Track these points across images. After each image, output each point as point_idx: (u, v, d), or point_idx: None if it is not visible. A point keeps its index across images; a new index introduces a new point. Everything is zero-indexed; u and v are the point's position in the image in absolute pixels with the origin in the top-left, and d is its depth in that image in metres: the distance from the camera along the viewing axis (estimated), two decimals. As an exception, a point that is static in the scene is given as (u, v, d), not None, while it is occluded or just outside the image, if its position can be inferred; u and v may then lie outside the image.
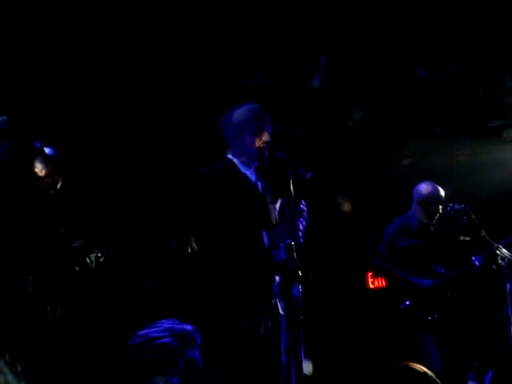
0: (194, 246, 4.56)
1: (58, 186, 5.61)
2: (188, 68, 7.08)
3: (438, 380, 2.83)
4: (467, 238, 6.45)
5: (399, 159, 8.17)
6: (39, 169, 5.50)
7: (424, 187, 6.42)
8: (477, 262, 6.09)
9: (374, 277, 7.80)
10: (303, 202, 4.33)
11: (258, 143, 4.43)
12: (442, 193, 6.36)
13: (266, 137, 4.47)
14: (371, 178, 8.02)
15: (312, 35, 7.06)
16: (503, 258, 5.71)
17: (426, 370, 2.88)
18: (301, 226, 4.28)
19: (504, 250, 5.76)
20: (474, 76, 7.51)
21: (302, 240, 4.29)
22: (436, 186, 6.40)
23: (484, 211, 6.52)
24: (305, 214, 4.31)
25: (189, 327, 3.43)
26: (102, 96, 6.94)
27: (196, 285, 4.47)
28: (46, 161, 5.50)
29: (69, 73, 6.68)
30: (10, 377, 1.35)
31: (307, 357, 4.27)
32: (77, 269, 5.55)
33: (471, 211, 6.02)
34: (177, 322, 3.33)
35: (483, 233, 5.94)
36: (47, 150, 5.50)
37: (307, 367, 4.97)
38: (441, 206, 6.30)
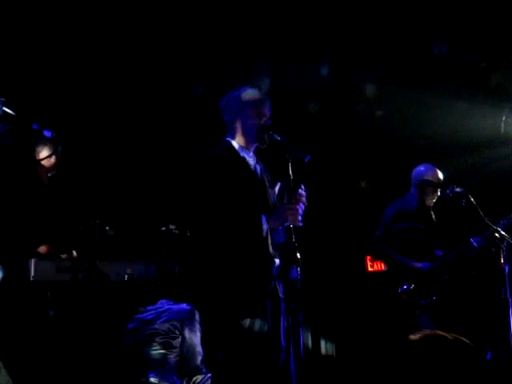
0: (193, 229, 4.56)
1: (56, 168, 5.60)
2: (185, 51, 7.06)
3: (470, 343, 2.80)
4: (464, 221, 6.44)
5: (401, 141, 8.17)
6: (38, 151, 5.48)
7: (423, 170, 6.40)
8: (475, 244, 6.08)
9: (372, 260, 7.81)
10: (303, 186, 4.33)
11: (257, 126, 4.43)
12: (441, 175, 6.34)
13: (264, 120, 4.46)
14: (372, 160, 8.02)
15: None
16: (502, 241, 5.70)
17: (456, 335, 2.85)
18: (300, 210, 4.27)
19: (503, 233, 5.76)
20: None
21: (301, 224, 4.28)
22: (435, 168, 6.37)
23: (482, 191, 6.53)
24: (304, 198, 4.31)
25: (186, 307, 3.44)
26: (96, 79, 6.92)
27: (195, 268, 4.46)
28: (45, 143, 5.49)
29: (62, 55, 6.66)
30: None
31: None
32: (74, 253, 5.54)
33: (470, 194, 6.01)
34: (173, 303, 3.36)
35: (482, 216, 5.93)
36: (45, 133, 5.47)
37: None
38: (439, 189, 6.28)
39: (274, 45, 7.18)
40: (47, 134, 5.39)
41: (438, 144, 7.77)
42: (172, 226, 6.64)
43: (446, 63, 7.53)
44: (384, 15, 7.07)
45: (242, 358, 4.22)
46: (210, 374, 4.51)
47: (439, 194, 6.30)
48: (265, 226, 4.23)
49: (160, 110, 7.34)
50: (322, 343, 7.38)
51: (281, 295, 4.33)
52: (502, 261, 5.58)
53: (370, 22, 7.14)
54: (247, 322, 4.24)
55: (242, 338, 4.22)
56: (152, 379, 3.15)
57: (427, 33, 7.33)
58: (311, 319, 7.24)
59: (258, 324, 4.27)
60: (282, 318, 4.36)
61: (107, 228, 5.54)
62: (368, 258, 7.87)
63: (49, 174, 5.59)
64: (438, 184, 6.29)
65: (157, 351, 3.23)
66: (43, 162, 5.50)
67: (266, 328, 4.29)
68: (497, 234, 5.78)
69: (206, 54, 7.11)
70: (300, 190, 4.31)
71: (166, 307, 3.58)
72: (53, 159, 5.55)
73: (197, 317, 3.73)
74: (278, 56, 7.28)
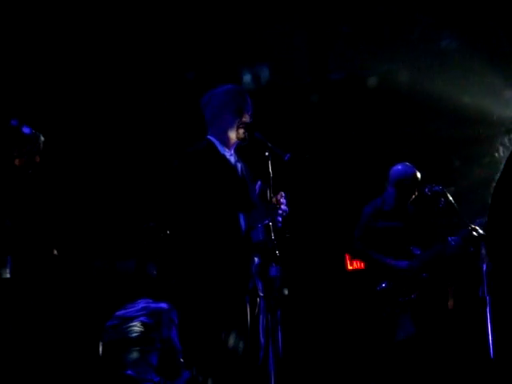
0: (173, 226, 4.56)
1: (36, 165, 5.56)
2: (172, 46, 7.06)
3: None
4: (442, 220, 6.47)
5: (380, 140, 8.18)
6: (16, 148, 5.44)
7: (400, 169, 6.39)
8: (453, 243, 6.11)
9: (352, 258, 7.83)
10: (282, 193, 4.34)
11: (237, 124, 4.44)
12: (419, 174, 6.34)
13: (246, 118, 4.47)
14: (351, 159, 8.03)
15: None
16: (480, 240, 5.73)
17: None
18: (280, 211, 4.28)
19: (481, 232, 5.78)
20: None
21: (279, 224, 4.30)
22: (412, 167, 6.37)
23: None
24: (284, 206, 4.32)
25: (164, 306, 3.45)
26: (79, 74, 6.90)
27: (175, 266, 4.47)
28: (23, 140, 5.45)
29: (46, 51, 6.64)
30: None
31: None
32: (55, 252, 5.52)
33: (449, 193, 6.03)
34: (152, 301, 3.38)
35: (460, 214, 5.96)
36: (25, 129, 5.45)
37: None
38: (417, 188, 6.29)
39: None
40: (26, 130, 5.37)
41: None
42: (152, 224, 6.64)
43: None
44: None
45: (220, 356, 4.23)
46: (186, 376, 4.53)
47: (417, 193, 6.31)
48: (244, 224, 4.24)
49: (143, 106, 7.33)
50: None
51: (260, 293, 4.34)
52: (480, 260, 5.61)
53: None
54: (226, 319, 4.25)
55: (220, 335, 4.23)
56: (130, 374, 3.17)
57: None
58: (290, 317, 7.26)
59: (237, 321, 4.28)
60: (261, 316, 4.37)
61: None
62: (348, 256, 7.88)
63: (29, 171, 5.55)
64: (415, 183, 6.30)
65: (135, 348, 3.24)
66: (23, 159, 5.46)
67: (244, 326, 4.30)
68: (474, 233, 5.80)
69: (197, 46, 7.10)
70: (280, 198, 4.31)
71: (145, 305, 3.59)
72: (32, 156, 5.51)
73: (175, 315, 3.74)
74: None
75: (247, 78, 7.37)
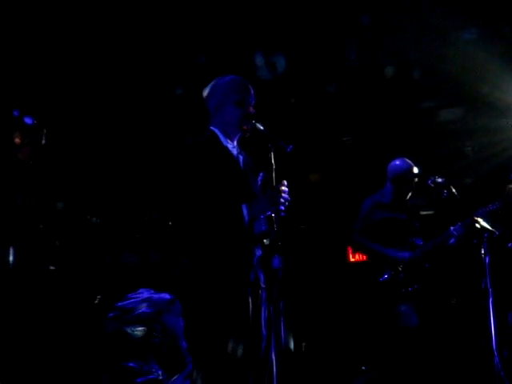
0: (175, 218, 4.56)
1: (38, 156, 5.55)
2: (175, 40, 7.05)
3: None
4: (429, 212, 6.47)
5: (381, 136, 8.19)
6: (18, 138, 5.43)
7: (398, 164, 6.43)
8: (455, 232, 6.12)
9: (354, 251, 7.84)
10: (285, 182, 4.32)
11: (240, 115, 4.43)
12: (416, 170, 6.37)
13: (248, 109, 4.46)
14: (353, 153, 8.04)
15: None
16: (483, 231, 5.72)
17: None
18: (282, 200, 4.27)
19: (483, 223, 5.78)
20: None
21: (283, 214, 4.29)
22: (410, 162, 6.41)
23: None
24: (286, 195, 4.30)
25: (167, 296, 3.45)
26: (80, 66, 6.89)
27: (177, 257, 4.46)
28: (25, 130, 5.44)
29: (47, 45, 6.63)
30: None
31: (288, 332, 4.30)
32: (57, 243, 5.52)
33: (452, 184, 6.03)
34: (154, 291, 3.37)
35: (463, 206, 5.95)
36: (26, 120, 5.44)
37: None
38: (415, 181, 6.32)
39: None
40: (28, 121, 5.36)
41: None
42: (155, 215, 6.65)
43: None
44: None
45: (223, 347, 4.22)
46: (190, 368, 4.53)
47: (414, 187, 6.35)
48: (246, 215, 4.23)
49: (144, 98, 7.32)
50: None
51: (262, 284, 4.34)
52: (483, 251, 5.61)
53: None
54: (229, 311, 4.25)
55: (223, 326, 4.23)
56: (132, 366, 3.16)
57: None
58: (293, 309, 7.27)
59: (239, 313, 4.27)
60: (263, 307, 4.37)
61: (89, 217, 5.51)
62: (350, 248, 7.89)
63: (30, 162, 5.55)
64: (413, 178, 6.34)
65: (137, 339, 3.23)
66: (25, 149, 5.46)
67: (246, 317, 4.30)
68: (477, 225, 5.80)
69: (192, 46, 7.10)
70: (282, 187, 4.30)
71: (147, 296, 3.58)
72: (34, 146, 5.50)
73: (178, 306, 3.73)
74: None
75: (261, 64, 7.36)
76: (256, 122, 4.40)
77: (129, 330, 3.25)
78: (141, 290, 3.32)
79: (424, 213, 6.74)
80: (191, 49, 7.10)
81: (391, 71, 7.62)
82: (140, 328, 3.24)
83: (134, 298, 3.37)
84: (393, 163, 6.47)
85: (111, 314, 3.30)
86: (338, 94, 7.87)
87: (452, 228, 6.15)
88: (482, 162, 7.83)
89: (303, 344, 7.23)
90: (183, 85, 7.34)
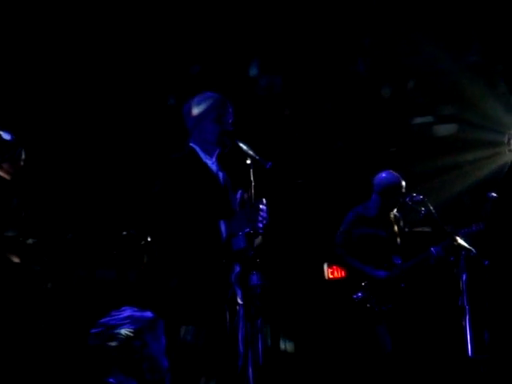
0: (153, 234, 4.55)
1: (18, 172, 5.52)
2: (155, 52, 7.06)
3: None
4: (425, 229, 6.48)
5: (358, 149, 8.21)
6: None
7: (385, 177, 6.39)
8: (434, 253, 6.12)
9: (331, 267, 7.83)
10: (264, 200, 4.33)
11: (218, 132, 4.44)
12: (403, 183, 6.34)
13: (226, 126, 4.47)
14: (330, 168, 8.06)
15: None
16: (461, 249, 5.74)
17: None
18: (260, 217, 4.28)
19: (461, 241, 5.80)
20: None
21: (261, 230, 4.30)
22: (397, 175, 6.36)
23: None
24: (264, 213, 4.31)
25: (149, 314, 3.44)
26: (59, 79, 6.88)
27: (155, 273, 4.46)
28: (4, 146, 5.41)
29: (25, 56, 6.62)
30: None
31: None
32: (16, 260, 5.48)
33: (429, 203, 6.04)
34: (137, 309, 3.37)
35: (441, 224, 5.97)
36: (5, 135, 5.41)
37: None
38: (401, 196, 6.27)
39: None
40: (6, 136, 5.34)
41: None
42: (133, 231, 6.63)
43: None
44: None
45: (200, 364, 4.22)
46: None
47: (400, 201, 6.30)
48: (224, 232, 4.24)
49: (125, 114, 7.31)
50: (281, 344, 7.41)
51: (239, 301, 4.34)
52: (460, 269, 5.63)
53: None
54: (205, 328, 4.24)
55: (200, 343, 4.22)
56: (111, 381, 3.16)
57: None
58: (271, 324, 7.27)
59: (215, 330, 4.27)
60: (240, 325, 4.37)
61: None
62: (327, 265, 7.89)
63: (8, 178, 5.52)
64: (400, 192, 6.29)
65: (117, 356, 3.23)
66: (3, 165, 5.43)
67: (223, 334, 4.30)
68: (455, 243, 5.82)
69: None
70: (260, 205, 4.31)
71: (129, 313, 3.57)
72: (11, 163, 5.47)
73: (160, 325, 3.72)
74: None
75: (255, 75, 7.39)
76: (235, 139, 4.41)
77: (110, 347, 3.24)
78: (123, 308, 3.32)
79: (419, 229, 6.74)
80: (179, 59, 7.11)
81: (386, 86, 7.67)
82: (121, 344, 3.24)
83: (116, 315, 3.37)
84: (380, 175, 6.42)
85: (94, 330, 3.30)
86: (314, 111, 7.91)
87: (433, 249, 6.15)
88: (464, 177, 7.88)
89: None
90: (160, 102, 7.35)
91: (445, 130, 8.11)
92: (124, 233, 6.62)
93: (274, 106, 7.81)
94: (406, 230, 6.58)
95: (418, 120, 8.16)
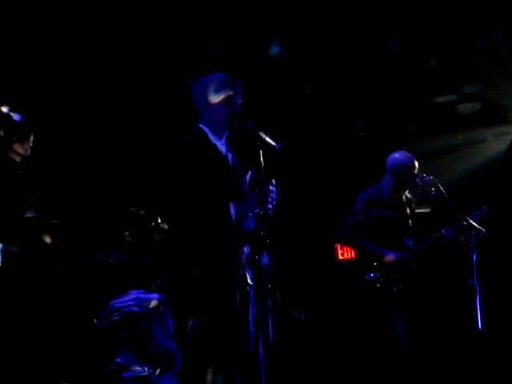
0: (164, 215, 4.56)
1: (27, 153, 5.52)
2: (160, 37, 7.03)
3: None
4: (425, 210, 6.46)
5: (368, 134, 8.20)
6: (7, 136, 5.38)
7: (398, 157, 6.35)
8: (447, 235, 6.11)
9: (342, 248, 7.83)
10: (273, 181, 4.32)
11: (228, 113, 4.42)
12: (416, 163, 6.31)
13: (236, 107, 4.45)
14: (341, 150, 8.04)
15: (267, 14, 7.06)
16: (471, 229, 5.73)
17: None
18: (270, 199, 4.27)
19: (471, 222, 5.79)
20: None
21: (270, 212, 4.29)
22: (410, 155, 6.32)
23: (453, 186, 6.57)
24: (274, 194, 4.30)
25: (155, 296, 3.46)
26: (70, 64, 6.88)
27: (166, 255, 4.47)
28: (14, 127, 5.40)
29: (36, 40, 6.62)
30: None
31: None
32: (47, 240, 5.49)
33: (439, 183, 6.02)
34: (143, 291, 3.39)
35: (452, 204, 5.96)
36: (15, 116, 5.40)
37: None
38: (413, 177, 6.24)
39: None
40: (17, 118, 5.33)
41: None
42: (142, 212, 6.63)
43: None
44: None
45: (210, 345, 4.23)
46: (178, 366, 4.53)
47: (413, 182, 6.27)
48: (233, 214, 4.23)
49: (133, 95, 7.30)
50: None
51: (250, 282, 4.34)
52: (470, 249, 5.63)
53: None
54: (216, 309, 4.25)
55: (210, 324, 4.23)
56: (119, 361, 3.18)
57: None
58: (281, 306, 7.28)
59: (226, 311, 4.27)
60: (250, 305, 4.37)
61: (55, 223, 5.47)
62: (338, 246, 7.88)
63: (18, 159, 5.52)
64: (413, 172, 6.26)
65: (124, 337, 3.25)
66: (14, 146, 5.42)
67: (234, 315, 4.30)
68: (465, 223, 5.81)
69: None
70: (270, 186, 4.30)
71: (135, 295, 3.61)
72: (22, 144, 5.47)
73: (167, 306, 3.75)
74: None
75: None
76: (245, 120, 4.39)
77: (117, 328, 3.27)
78: (131, 291, 3.34)
79: (420, 210, 6.72)
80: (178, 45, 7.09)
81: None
82: (128, 325, 3.26)
83: (123, 297, 3.40)
84: (392, 156, 6.40)
85: (102, 313, 3.33)
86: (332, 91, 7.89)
87: (444, 231, 6.13)
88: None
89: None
90: (171, 83, 7.33)
91: (467, 108, 8.06)
92: (134, 214, 6.62)
93: (294, 86, 7.77)
94: (417, 211, 6.56)
95: (441, 99, 8.11)
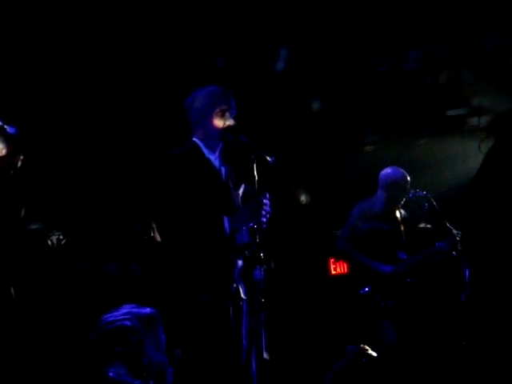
0: (157, 229, 4.55)
1: (19, 165, 5.50)
2: (154, 49, 7.04)
3: None
4: (428, 226, 6.47)
5: (361, 146, 8.20)
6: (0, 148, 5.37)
7: (390, 172, 6.38)
8: (440, 249, 6.12)
9: (335, 263, 7.83)
10: (267, 194, 4.32)
11: (221, 126, 4.42)
12: (408, 179, 6.34)
13: (229, 120, 4.45)
14: (333, 164, 8.04)
15: (275, 24, 7.05)
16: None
17: None
18: (264, 212, 4.26)
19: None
20: (433, 65, 7.54)
21: (264, 226, 4.28)
22: (402, 171, 6.36)
23: (444, 201, 6.56)
24: (267, 207, 4.29)
25: (148, 310, 3.45)
26: (64, 73, 6.87)
27: (158, 269, 4.46)
28: (7, 139, 5.39)
29: (29, 49, 6.61)
30: None
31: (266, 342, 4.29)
32: (34, 258, 5.48)
33: (432, 199, 6.04)
34: (136, 306, 3.38)
35: (444, 220, 5.97)
36: (8, 129, 5.39)
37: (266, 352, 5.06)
38: (406, 192, 6.27)
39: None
40: (11, 130, 5.32)
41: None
42: (137, 226, 6.63)
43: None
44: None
45: (202, 359, 4.21)
46: (170, 380, 4.51)
47: (405, 197, 6.30)
48: (227, 227, 4.23)
49: (125, 107, 7.30)
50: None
51: (243, 296, 4.33)
52: (463, 264, 5.63)
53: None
54: (209, 323, 4.24)
55: (203, 339, 4.22)
56: (111, 375, 3.17)
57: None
58: (274, 321, 7.25)
59: (219, 325, 4.26)
60: (244, 319, 4.36)
61: (58, 236, 5.45)
62: (331, 260, 7.89)
63: (11, 171, 5.50)
64: (405, 187, 6.29)
65: (116, 351, 3.24)
66: (4, 159, 5.40)
67: (227, 329, 4.29)
68: (458, 238, 5.83)
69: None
70: (264, 199, 4.29)
71: (128, 310, 3.60)
72: (14, 157, 5.45)
73: (159, 320, 3.73)
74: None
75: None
76: (238, 133, 4.40)
77: (107, 339, 3.26)
78: (124, 305, 3.35)
79: (423, 226, 6.73)
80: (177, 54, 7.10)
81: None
82: (120, 339, 3.25)
83: (116, 311, 3.39)
84: (385, 171, 6.42)
85: (95, 326, 3.33)
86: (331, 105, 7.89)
87: (437, 244, 6.14)
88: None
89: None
90: (163, 96, 7.33)
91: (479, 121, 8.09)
92: (128, 227, 6.62)
93: (301, 98, 7.77)
94: (411, 226, 6.57)
95: (452, 112, 8.14)
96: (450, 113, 8.07)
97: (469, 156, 7.69)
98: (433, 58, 7.47)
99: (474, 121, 8.08)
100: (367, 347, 4.39)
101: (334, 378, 3.86)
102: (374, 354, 3.94)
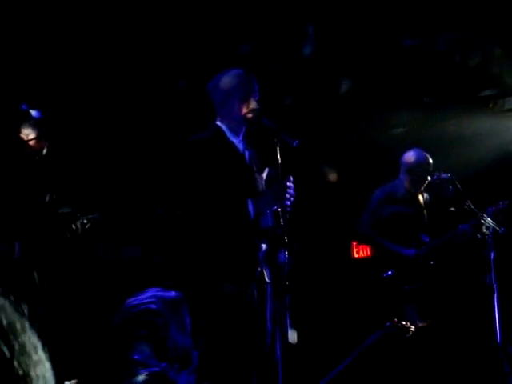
0: (180, 213, 4.55)
1: (44, 150, 5.51)
2: (176, 33, 7.02)
3: None
4: (452, 209, 6.44)
5: (388, 129, 8.15)
6: (25, 133, 5.37)
7: (412, 155, 6.35)
8: (463, 231, 6.09)
9: (358, 246, 7.82)
10: (290, 177, 4.31)
11: (245, 110, 4.41)
12: (431, 161, 6.30)
13: (253, 104, 4.44)
14: (359, 146, 8.01)
15: (300, 3, 7.00)
16: (488, 228, 5.71)
17: None
18: (288, 195, 4.26)
19: (489, 220, 5.77)
20: (463, 45, 7.47)
21: (288, 208, 4.28)
22: (425, 153, 6.32)
23: (471, 181, 6.52)
24: (291, 190, 4.29)
25: (173, 294, 3.46)
26: (89, 59, 6.88)
27: (182, 253, 4.46)
28: (33, 124, 5.39)
29: (51, 37, 6.62)
30: (13, 317, 1.33)
31: (292, 326, 4.30)
32: (68, 234, 5.49)
33: (457, 181, 6.00)
34: (161, 289, 3.39)
35: (468, 202, 5.94)
36: (34, 113, 5.39)
37: (292, 336, 5.07)
38: (429, 175, 6.24)
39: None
40: (36, 114, 5.33)
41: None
42: (159, 210, 6.64)
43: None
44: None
45: (227, 343, 4.22)
46: (195, 363, 4.52)
47: (428, 179, 6.26)
48: (252, 211, 4.23)
49: (151, 93, 7.30)
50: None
51: (267, 279, 4.33)
52: (488, 247, 5.61)
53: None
54: (233, 307, 4.24)
55: (227, 322, 4.23)
56: (137, 357, 3.18)
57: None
58: (298, 305, 7.26)
59: (244, 309, 4.27)
60: (268, 303, 4.37)
61: (83, 220, 5.45)
62: (354, 244, 7.87)
63: (37, 157, 5.52)
64: (427, 170, 6.26)
65: (141, 334, 3.25)
66: (31, 143, 5.41)
67: (252, 313, 4.30)
68: (482, 221, 5.79)
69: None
70: (288, 183, 4.29)
71: (153, 293, 3.61)
72: (40, 142, 5.47)
73: (185, 304, 3.74)
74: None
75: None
76: (262, 117, 4.39)
77: (132, 323, 3.27)
78: (149, 289, 3.36)
79: (452, 209, 6.69)
80: (194, 40, 7.07)
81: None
82: (144, 321, 3.26)
83: (140, 294, 3.40)
84: (407, 154, 6.39)
85: (120, 310, 3.33)
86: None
87: (461, 227, 6.11)
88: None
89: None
90: (187, 78, 7.32)
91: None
92: (151, 212, 6.63)
93: (329, 78, 7.72)
94: (435, 209, 6.54)
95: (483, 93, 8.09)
96: (482, 93, 8.00)
97: (497, 137, 7.65)
98: (463, 39, 7.40)
99: (504, 102, 8.01)
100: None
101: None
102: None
